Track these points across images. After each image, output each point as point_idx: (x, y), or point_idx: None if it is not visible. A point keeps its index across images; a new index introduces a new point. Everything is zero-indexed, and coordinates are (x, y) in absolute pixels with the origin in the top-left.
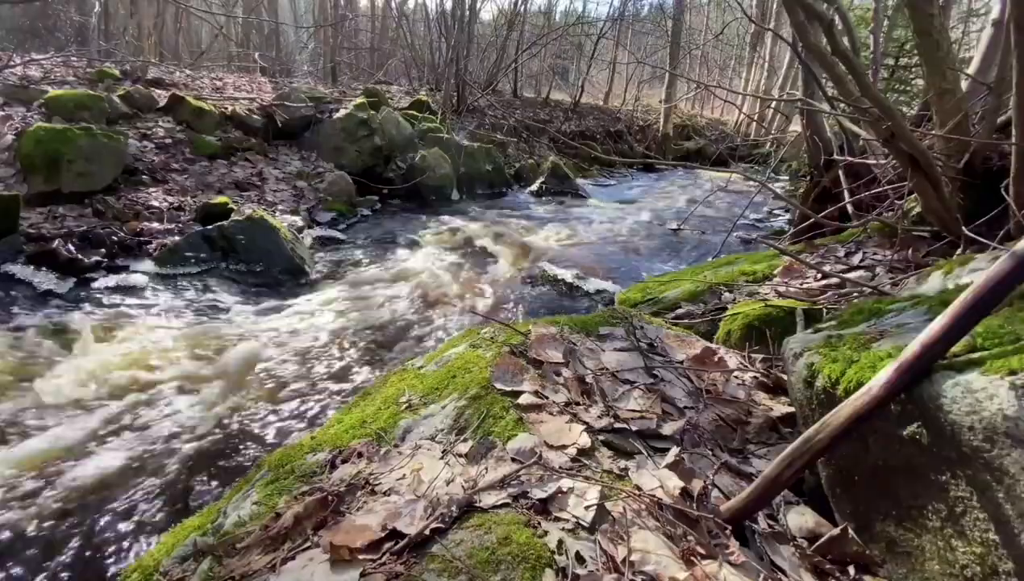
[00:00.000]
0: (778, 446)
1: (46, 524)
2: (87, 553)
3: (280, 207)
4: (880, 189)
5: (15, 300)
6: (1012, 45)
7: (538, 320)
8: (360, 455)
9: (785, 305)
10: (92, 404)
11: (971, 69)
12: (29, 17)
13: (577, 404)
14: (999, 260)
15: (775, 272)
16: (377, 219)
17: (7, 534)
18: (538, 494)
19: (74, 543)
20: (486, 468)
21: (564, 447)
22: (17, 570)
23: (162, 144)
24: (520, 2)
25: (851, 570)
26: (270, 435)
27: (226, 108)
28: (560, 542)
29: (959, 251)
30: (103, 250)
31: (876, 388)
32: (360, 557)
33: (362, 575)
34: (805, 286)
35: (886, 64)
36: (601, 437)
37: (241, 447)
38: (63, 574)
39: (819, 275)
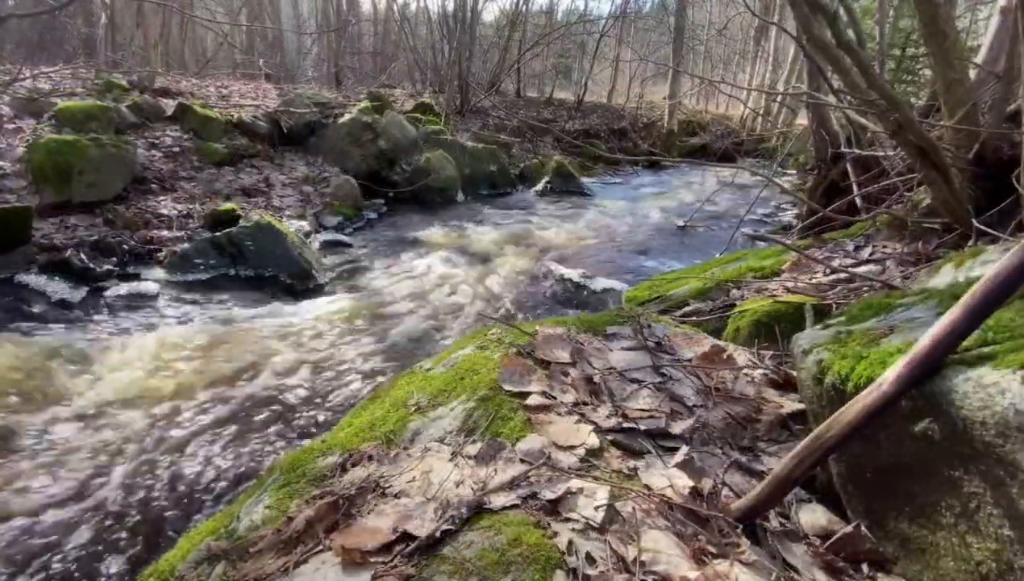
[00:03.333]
0: (789, 443)
1: (61, 529)
2: (103, 558)
3: (287, 212)
4: (889, 182)
5: (30, 309)
6: (1020, 33)
7: (545, 320)
8: (370, 458)
9: (794, 301)
10: (106, 411)
11: (979, 58)
12: (37, 30)
13: (585, 404)
14: (1010, 252)
15: (783, 268)
16: (383, 222)
17: (23, 540)
18: (547, 495)
19: (89, 548)
20: (495, 469)
21: (573, 447)
22: (33, 576)
23: (170, 152)
24: (522, 2)
25: (864, 568)
26: (281, 439)
27: (232, 115)
28: (570, 543)
29: (970, 243)
30: (114, 258)
31: (886, 384)
32: (371, 560)
33: (374, 577)
34: (814, 281)
35: (892, 55)
36: (610, 437)
37: (253, 451)
38: (79, 579)
39: (828, 270)
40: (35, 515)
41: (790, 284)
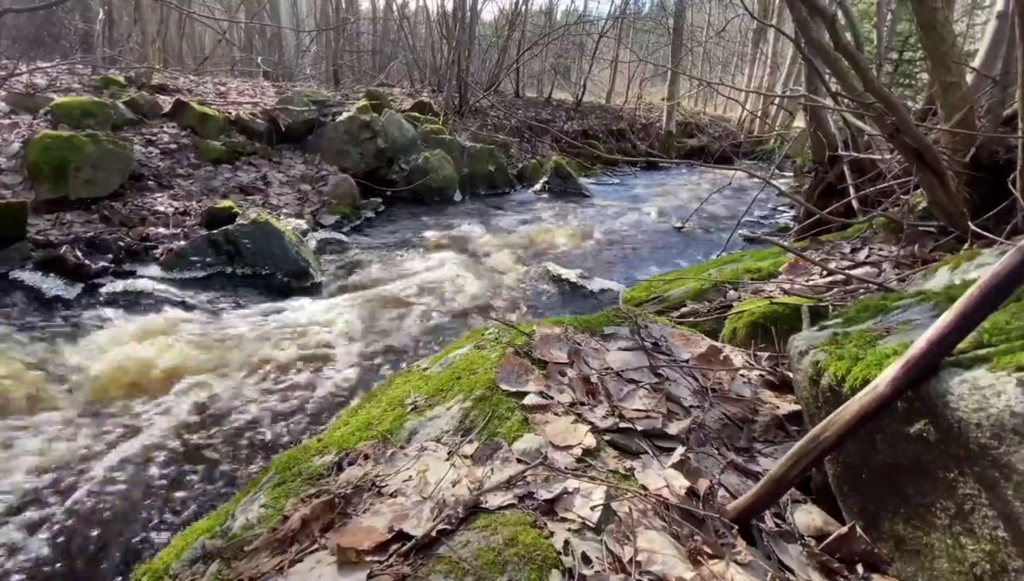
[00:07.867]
0: (785, 444)
1: (55, 528)
2: (97, 556)
3: (284, 210)
4: (885, 184)
5: (24, 306)
6: (1017, 38)
7: (542, 320)
8: (366, 457)
9: (791, 302)
10: (100, 409)
11: (976, 62)
12: (34, 25)
13: (582, 404)
14: (1006, 254)
15: (780, 269)
16: (381, 221)
17: (17, 538)
18: (544, 495)
19: (84, 547)
20: (492, 469)
21: (570, 447)
22: (28, 573)
23: (167, 149)
24: (521, 2)
25: (859, 569)
26: (277, 438)
27: (230, 113)
28: (566, 542)
29: (966, 246)
30: (110, 256)
31: (882, 386)
32: (367, 559)
33: (369, 576)
34: (811, 283)
35: (890, 58)
36: (606, 437)
37: (249, 450)
38: (73, 577)
39: (824, 272)
40: (27, 513)
41: (787, 286)
